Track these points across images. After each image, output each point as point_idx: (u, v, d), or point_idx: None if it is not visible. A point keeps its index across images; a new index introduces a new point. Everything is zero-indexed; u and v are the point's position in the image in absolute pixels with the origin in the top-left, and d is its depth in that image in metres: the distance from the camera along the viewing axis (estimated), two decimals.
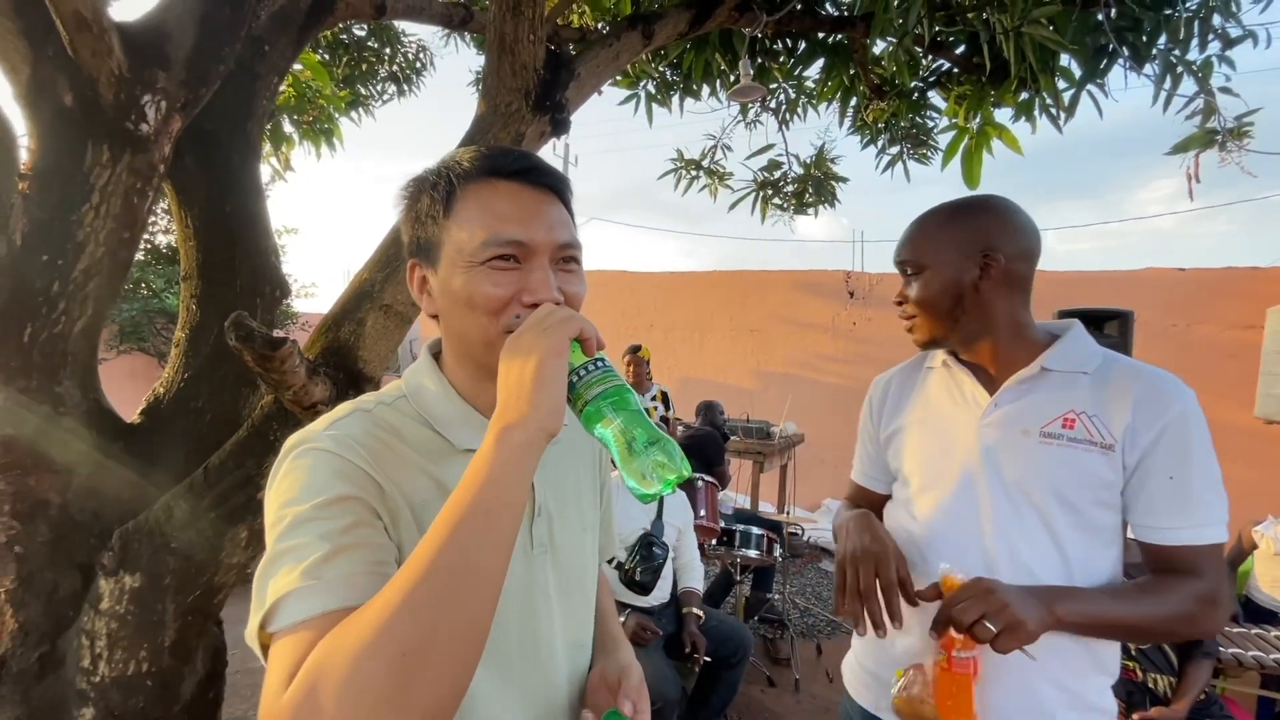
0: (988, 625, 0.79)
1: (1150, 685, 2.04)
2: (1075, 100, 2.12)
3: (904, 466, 1.06)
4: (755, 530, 3.14)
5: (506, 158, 0.62)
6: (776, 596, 3.54)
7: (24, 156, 1.28)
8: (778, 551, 3.20)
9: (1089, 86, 2.10)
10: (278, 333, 1.19)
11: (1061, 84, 2.13)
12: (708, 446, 3.68)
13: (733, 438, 4.39)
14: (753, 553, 3.11)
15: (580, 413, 0.54)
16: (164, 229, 6.75)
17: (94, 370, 1.40)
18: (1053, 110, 2.17)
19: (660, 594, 2.39)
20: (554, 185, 0.63)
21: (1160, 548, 0.88)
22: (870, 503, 1.15)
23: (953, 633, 0.83)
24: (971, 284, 0.95)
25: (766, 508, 4.92)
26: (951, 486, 0.97)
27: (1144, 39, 1.97)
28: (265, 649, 0.49)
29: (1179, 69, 1.94)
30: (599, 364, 0.54)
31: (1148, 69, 2.02)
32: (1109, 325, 2.82)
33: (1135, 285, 5.09)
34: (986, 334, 0.98)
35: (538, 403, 0.50)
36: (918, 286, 1.00)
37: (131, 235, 1.33)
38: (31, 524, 1.29)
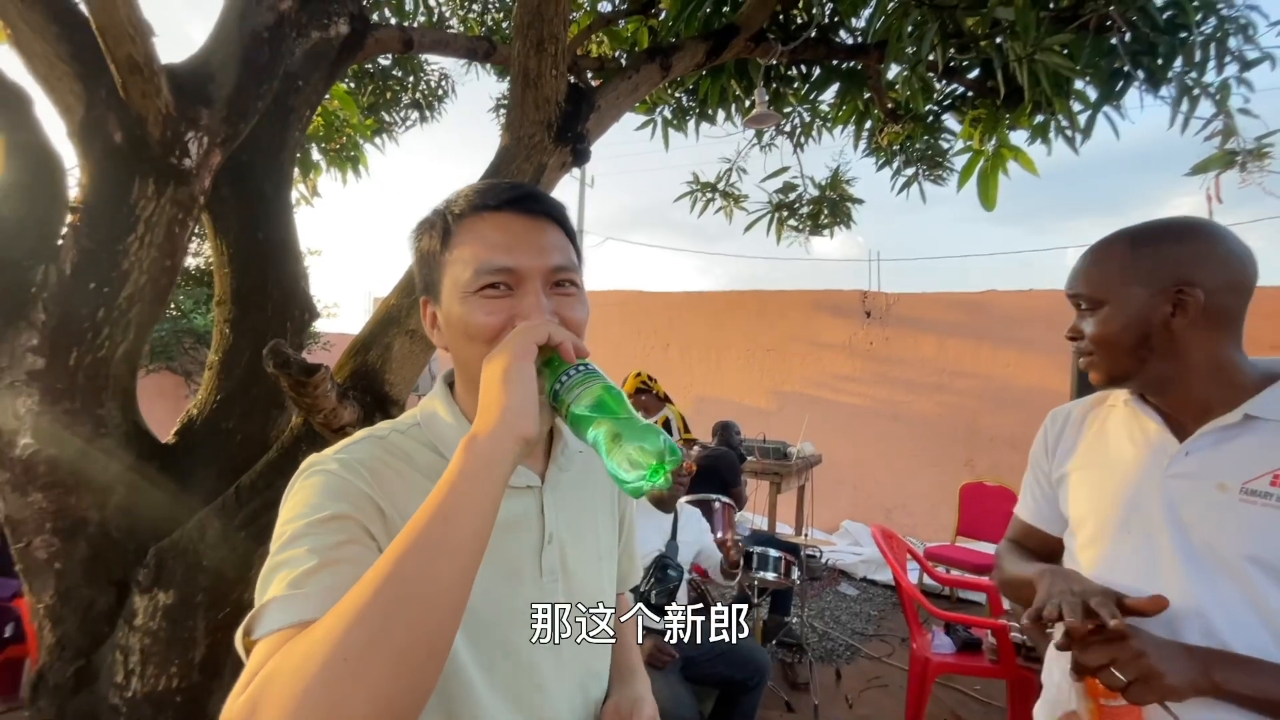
0: (1114, 673, 0.71)
1: None
2: (1091, 122, 2.13)
3: (1074, 513, 0.95)
4: (773, 552, 3.11)
5: (495, 190, 0.64)
6: (794, 620, 3.49)
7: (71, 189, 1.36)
8: (795, 574, 3.17)
9: (1105, 108, 2.11)
10: (306, 355, 1.23)
11: (1077, 106, 2.14)
12: (724, 467, 3.67)
13: (749, 458, 4.37)
14: (770, 575, 3.08)
15: (567, 419, 0.53)
16: (193, 251, 6.95)
17: (133, 393, 1.46)
18: (1068, 132, 2.18)
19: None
20: (546, 211, 0.64)
21: None
22: (1041, 544, 1.03)
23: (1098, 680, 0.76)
24: (1162, 322, 0.83)
25: (784, 529, 4.88)
26: (1127, 542, 0.86)
27: (1159, 62, 1.98)
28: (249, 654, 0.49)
29: (1196, 92, 1.95)
30: (580, 368, 0.54)
31: (1164, 91, 2.03)
32: None
33: None
34: (1179, 377, 0.85)
35: (503, 405, 0.51)
36: (1094, 323, 0.88)
37: (172, 263, 1.40)
38: (71, 541, 1.34)
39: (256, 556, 1.33)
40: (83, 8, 1.22)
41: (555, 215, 0.65)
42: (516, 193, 0.64)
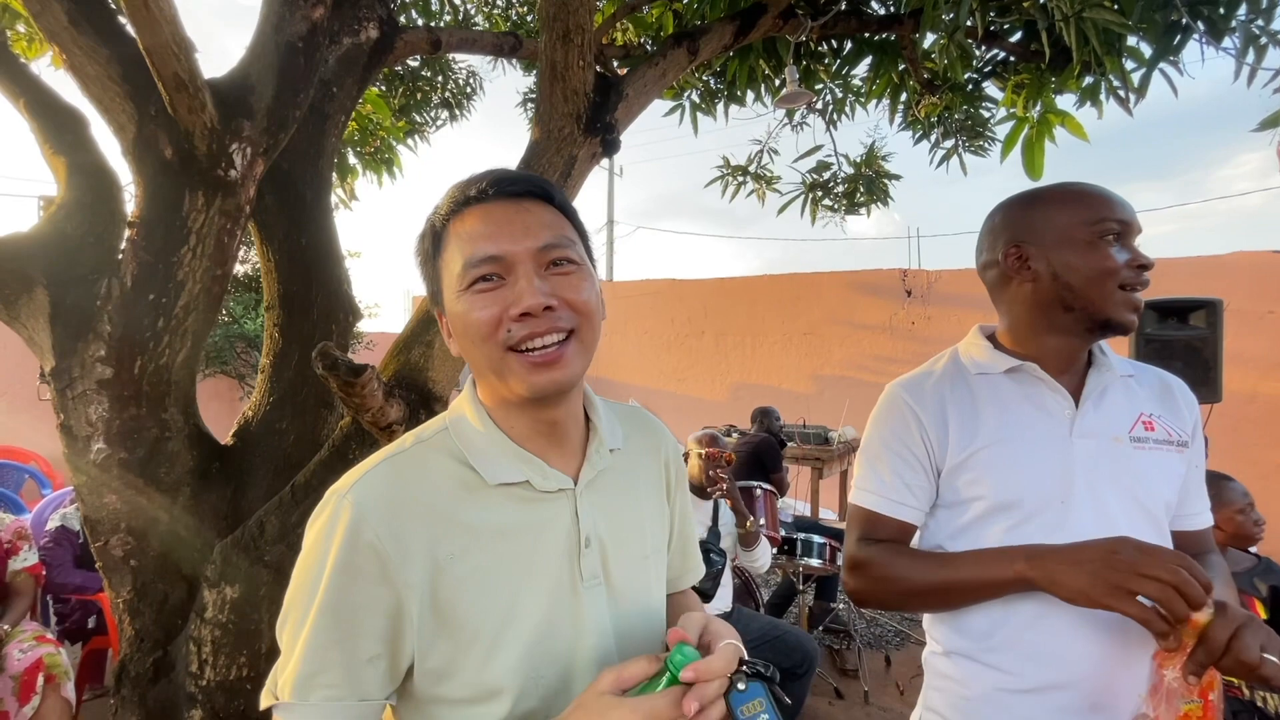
0: (1270, 657, 0.65)
1: (1260, 704, 1.89)
2: (1146, 81, 2.01)
3: (996, 493, 0.88)
4: (817, 539, 3.09)
5: (471, 183, 0.61)
6: (842, 606, 3.46)
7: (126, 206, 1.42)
8: (841, 560, 3.13)
9: (1161, 65, 1.99)
10: (352, 356, 1.26)
11: (1130, 64, 2.02)
12: (765, 453, 3.65)
13: (790, 444, 4.33)
14: (815, 561, 3.06)
15: None
16: (241, 258, 7.22)
17: (193, 397, 1.53)
18: (1121, 93, 2.06)
19: (721, 603, 2.38)
20: (527, 190, 0.61)
21: (1195, 533, 0.91)
22: (903, 536, 0.95)
23: (1172, 684, 0.70)
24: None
25: (827, 515, 4.83)
26: (1082, 509, 0.84)
27: (1221, 11, 1.85)
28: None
29: (1263, 41, 1.82)
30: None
31: (1227, 42, 1.90)
32: (1195, 315, 2.64)
33: (1224, 271, 4.74)
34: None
35: None
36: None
37: (223, 272, 1.45)
38: (144, 539, 1.42)
39: None
40: (130, 30, 1.27)
41: (539, 192, 0.61)
42: (489, 179, 0.61)
